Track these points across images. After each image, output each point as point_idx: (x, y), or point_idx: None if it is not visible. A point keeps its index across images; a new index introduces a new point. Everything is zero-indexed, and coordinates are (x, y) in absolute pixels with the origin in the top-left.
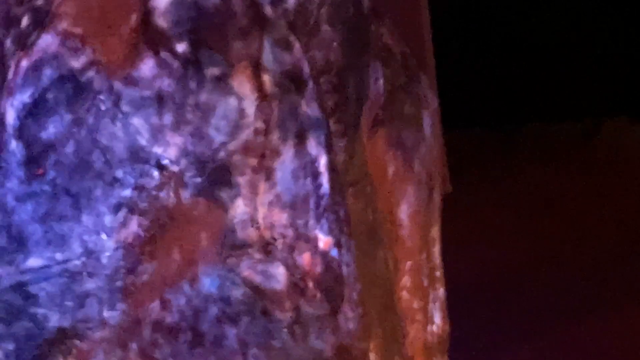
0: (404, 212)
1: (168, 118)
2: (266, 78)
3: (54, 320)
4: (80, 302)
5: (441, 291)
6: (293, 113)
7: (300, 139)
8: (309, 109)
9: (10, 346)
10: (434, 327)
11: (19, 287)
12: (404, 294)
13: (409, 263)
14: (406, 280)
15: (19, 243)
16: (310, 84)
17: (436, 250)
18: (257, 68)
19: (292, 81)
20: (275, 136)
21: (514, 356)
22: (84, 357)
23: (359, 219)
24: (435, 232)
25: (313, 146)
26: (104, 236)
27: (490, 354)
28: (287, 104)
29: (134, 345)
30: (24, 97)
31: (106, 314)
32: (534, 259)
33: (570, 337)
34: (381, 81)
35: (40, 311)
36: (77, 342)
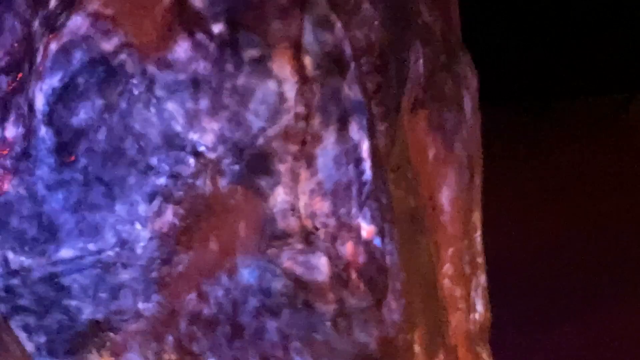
0: (445, 197)
1: (204, 103)
2: (307, 60)
3: (87, 312)
4: (114, 294)
5: (483, 278)
6: (335, 97)
7: (342, 124)
8: (351, 92)
9: (42, 339)
10: (476, 316)
11: (51, 279)
12: (446, 282)
13: (450, 250)
14: (448, 268)
15: (50, 233)
16: (352, 66)
17: (477, 236)
18: (297, 49)
19: (333, 63)
20: (316, 121)
21: (550, 339)
22: (118, 349)
23: (400, 205)
24: (477, 217)
25: (355, 131)
26: (138, 226)
27: (524, 337)
28: (328, 87)
29: (169, 338)
30: (54, 81)
31: (141, 305)
32: (564, 237)
33: (607, 318)
34: (421, 61)
35: (72, 303)
36: (111, 334)
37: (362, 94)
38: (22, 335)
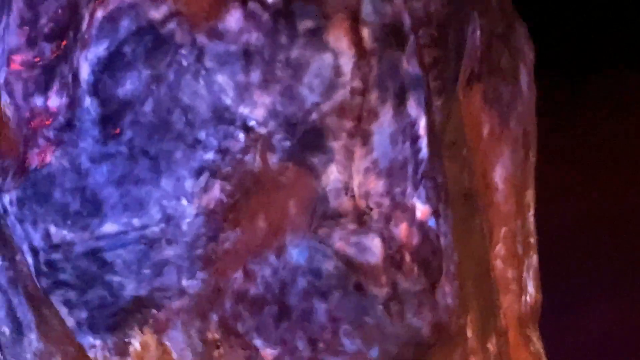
0: (498, 175)
1: (256, 75)
2: (365, 32)
3: (130, 288)
4: (158, 270)
5: (535, 259)
6: (393, 71)
7: (400, 100)
8: (410, 66)
9: (83, 314)
10: (528, 297)
11: (94, 254)
12: (498, 263)
13: (503, 230)
14: (500, 248)
15: (94, 207)
16: (412, 38)
17: (531, 215)
18: (355, 21)
19: (392, 35)
20: (373, 96)
21: (596, 315)
22: (161, 327)
23: (454, 184)
24: (530, 196)
25: (413, 107)
26: (184, 201)
27: (570, 313)
28: (387, 60)
29: (214, 317)
30: (99, 50)
31: (185, 282)
32: (603, 212)
33: None
34: (478, 32)
35: (115, 279)
36: (153, 311)
37: (420, 68)
38: (63, 311)
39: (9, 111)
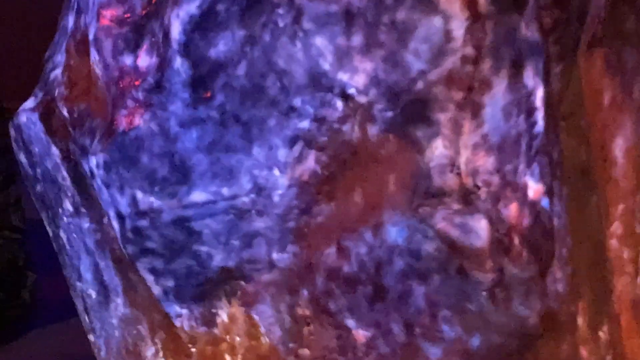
0: (618, 148)
1: (357, 39)
2: None
3: (218, 259)
4: (248, 242)
5: None
6: (510, 37)
7: (516, 68)
8: (528, 31)
9: (170, 283)
10: None
11: (181, 222)
12: (613, 243)
13: (621, 207)
14: (616, 227)
15: (183, 174)
16: (532, 0)
17: None
18: None
19: None
20: (486, 65)
21: None
22: (249, 299)
23: (571, 159)
24: None
25: (530, 76)
26: (276, 172)
27: None
28: (503, 25)
29: (304, 292)
30: (191, 7)
31: (275, 255)
32: None
33: None
34: None
35: (203, 249)
36: (242, 283)
37: (540, 34)
38: (149, 278)
39: (98, 69)
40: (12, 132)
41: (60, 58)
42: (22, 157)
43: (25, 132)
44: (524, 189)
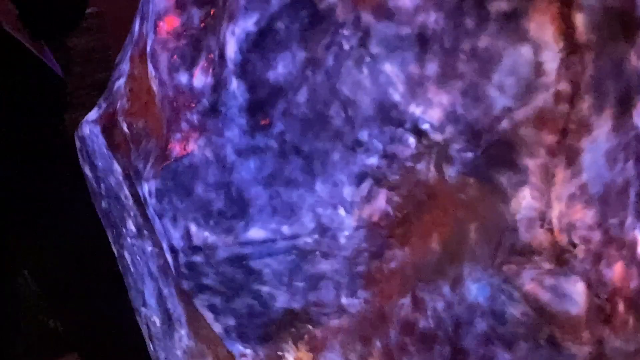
0: None
1: (432, 67)
2: (579, 19)
3: (282, 300)
4: (314, 284)
5: None
6: (616, 70)
7: (623, 107)
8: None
9: (231, 321)
10: None
11: (238, 261)
12: None
13: None
14: None
15: (239, 208)
16: None
17: None
18: (566, 4)
19: (618, 23)
20: (585, 104)
21: None
22: (317, 345)
23: None
24: None
25: None
26: (342, 211)
27: None
28: (608, 57)
29: (377, 344)
30: (248, 24)
31: (345, 300)
32: None
33: None
34: None
35: (264, 289)
36: (309, 327)
37: None
38: (209, 315)
39: (154, 85)
40: (77, 143)
41: (125, 66)
42: (87, 171)
43: (89, 145)
44: (632, 245)
